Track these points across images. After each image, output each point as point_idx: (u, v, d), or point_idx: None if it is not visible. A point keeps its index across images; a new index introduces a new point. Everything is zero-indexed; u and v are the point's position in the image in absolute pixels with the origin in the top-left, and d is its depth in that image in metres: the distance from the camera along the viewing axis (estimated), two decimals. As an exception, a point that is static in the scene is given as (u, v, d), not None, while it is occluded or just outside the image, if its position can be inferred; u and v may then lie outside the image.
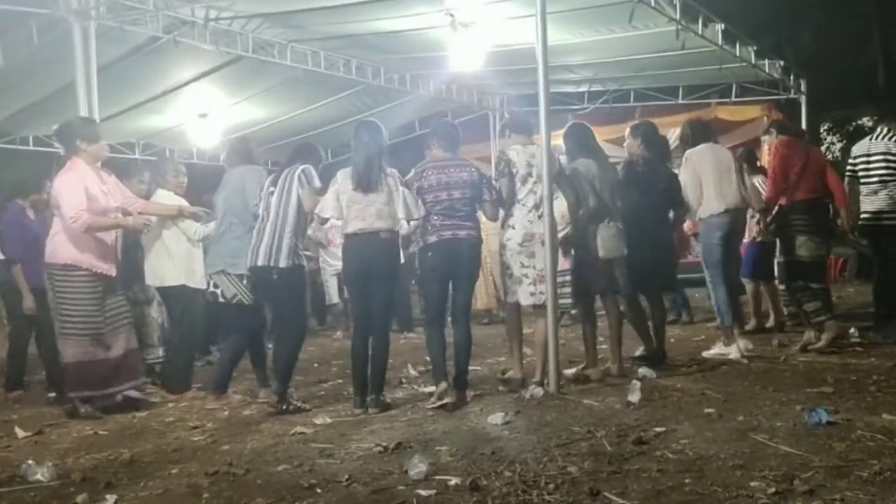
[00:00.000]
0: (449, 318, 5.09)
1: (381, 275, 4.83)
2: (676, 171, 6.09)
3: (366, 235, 4.76)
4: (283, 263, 4.90)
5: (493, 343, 7.16)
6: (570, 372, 5.43)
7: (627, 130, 6.05)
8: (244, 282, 5.17)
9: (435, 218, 4.89)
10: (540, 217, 5.00)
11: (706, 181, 5.85)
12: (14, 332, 6.28)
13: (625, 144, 6.03)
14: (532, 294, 5.06)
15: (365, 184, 4.77)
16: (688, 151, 6.01)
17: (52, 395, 5.76)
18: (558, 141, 5.62)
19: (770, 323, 7.21)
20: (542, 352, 5.02)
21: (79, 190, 4.94)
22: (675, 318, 8.07)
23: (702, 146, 5.99)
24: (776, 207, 6.13)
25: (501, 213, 5.16)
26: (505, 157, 5.11)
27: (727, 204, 5.85)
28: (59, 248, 5.00)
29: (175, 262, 5.63)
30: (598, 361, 5.48)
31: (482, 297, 8.91)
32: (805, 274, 6.05)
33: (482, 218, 5.24)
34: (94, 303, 5.02)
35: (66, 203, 4.91)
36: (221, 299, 5.20)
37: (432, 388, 5.00)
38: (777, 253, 6.34)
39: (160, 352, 6.05)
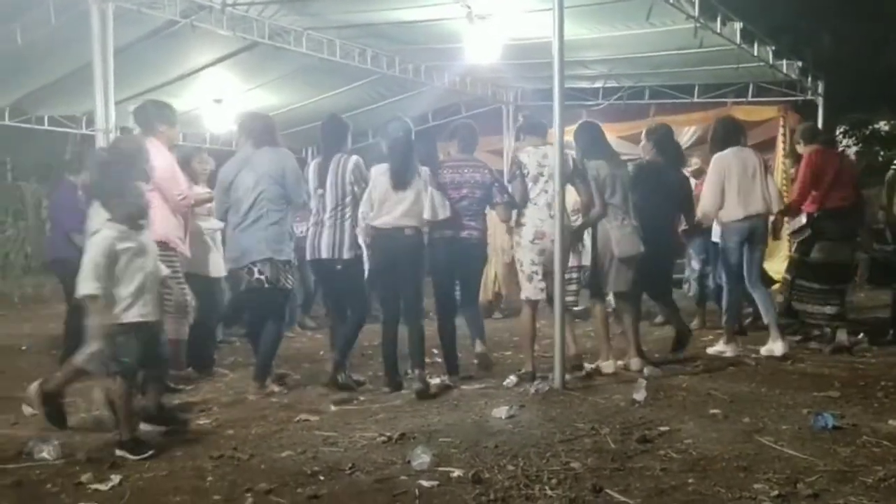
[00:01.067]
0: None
1: (406, 268, 5.05)
2: (688, 172, 6.08)
3: (391, 230, 5.00)
4: (346, 255, 5.12)
5: (499, 337, 7.15)
6: (589, 366, 5.46)
7: (643, 132, 6.03)
8: (287, 267, 5.14)
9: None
10: (551, 216, 5.05)
11: (729, 186, 5.85)
12: (74, 309, 6.19)
13: (640, 146, 6.03)
14: (542, 290, 5.15)
15: (401, 182, 4.98)
16: (716, 154, 5.98)
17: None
18: (569, 137, 5.60)
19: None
20: (528, 342, 5.25)
21: (178, 169, 5.13)
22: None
23: (730, 150, 5.97)
24: (804, 216, 6.19)
25: (514, 212, 5.25)
26: (516, 161, 5.23)
27: (748, 210, 5.86)
28: (156, 224, 4.92)
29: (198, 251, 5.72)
30: (611, 355, 5.48)
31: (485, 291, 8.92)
32: (833, 278, 6.12)
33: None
34: (181, 281, 5.05)
35: (175, 181, 5.09)
36: (268, 285, 5.04)
37: (437, 380, 5.10)
38: (806, 254, 6.28)
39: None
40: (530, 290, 5.17)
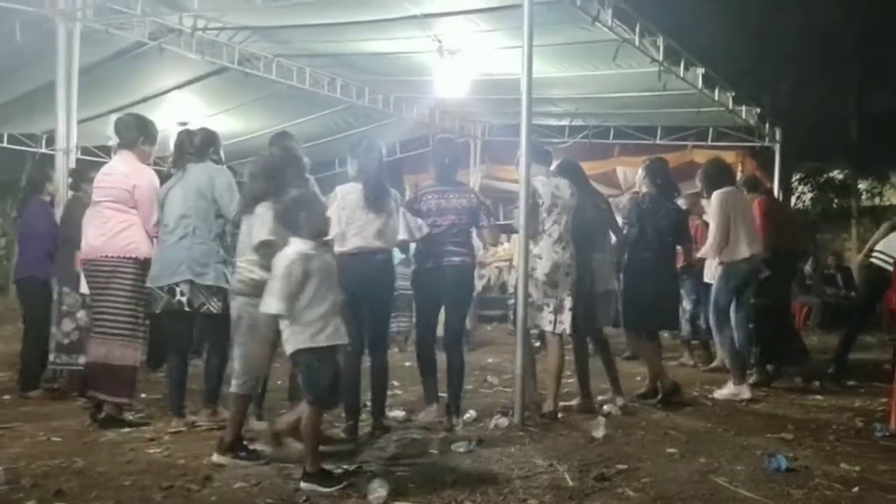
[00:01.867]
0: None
1: (377, 295, 4.71)
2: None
3: (364, 255, 4.61)
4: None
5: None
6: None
7: (641, 167, 6.09)
8: (213, 290, 4.75)
9: (430, 243, 4.90)
10: (563, 248, 5.10)
11: (735, 225, 5.94)
12: (34, 331, 5.95)
13: (637, 178, 6.15)
14: (551, 322, 5.12)
15: (373, 201, 4.64)
16: (719, 193, 6.02)
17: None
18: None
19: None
20: (553, 379, 5.13)
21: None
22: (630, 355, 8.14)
23: (731, 189, 6.11)
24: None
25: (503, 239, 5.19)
26: (532, 189, 5.11)
27: (753, 251, 5.97)
28: (140, 242, 4.85)
29: None
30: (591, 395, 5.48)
31: None
32: (777, 317, 6.31)
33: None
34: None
35: (154, 203, 4.84)
36: (187, 308, 4.77)
37: (398, 413, 5.02)
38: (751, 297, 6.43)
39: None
40: (538, 319, 5.11)
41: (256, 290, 3.87)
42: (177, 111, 8.83)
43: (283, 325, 3.62)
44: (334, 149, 9.94)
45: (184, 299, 4.71)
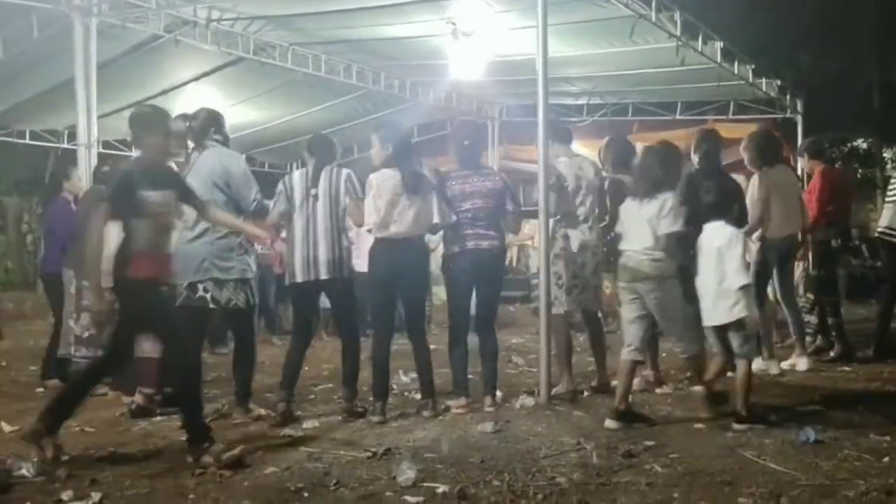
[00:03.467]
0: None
1: (415, 280, 4.82)
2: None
3: (403, 241, 4.69)
4: (346, 272, 4.76)
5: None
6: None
7: (693, 141, 5.94)
8: (239, 285, 4.73)
9: (459, 228, 4.87)
10: (590, 228, 5.08)
11: (775, 204, 5.85)
12: (60, 325, 5.96)
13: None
14: (579, 303, 5.13)
15: (412, 187, 4.67)
16: (765, 171, 5.91)
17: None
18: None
19: None
20: (600, 355, 5.27)
21: None
22: None
23: (779, 168, 6.02)
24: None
25: (552, 223, 5.09)
26: (555, 171, 5.08)
27: (790, 230, 5.92)
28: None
29: None
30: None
31: None
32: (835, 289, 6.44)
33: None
34: None
35: None
36: (213, 305, 4.69)
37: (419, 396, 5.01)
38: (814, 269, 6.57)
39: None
40: (568, 302, 5.14)
41: (665, 274, 4.34)
42: (194, 103, 8.81)
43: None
44: (351, 135, 9.94)
45: (208, 296, 4.65)
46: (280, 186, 4.84)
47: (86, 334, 5.60)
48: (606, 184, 5.35)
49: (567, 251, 5.12)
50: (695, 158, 5.52)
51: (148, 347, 4.81)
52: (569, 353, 5.25)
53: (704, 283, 4.33)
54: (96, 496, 3.31)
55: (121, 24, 6.45)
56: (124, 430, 4.59)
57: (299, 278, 4.73)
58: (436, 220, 4.82)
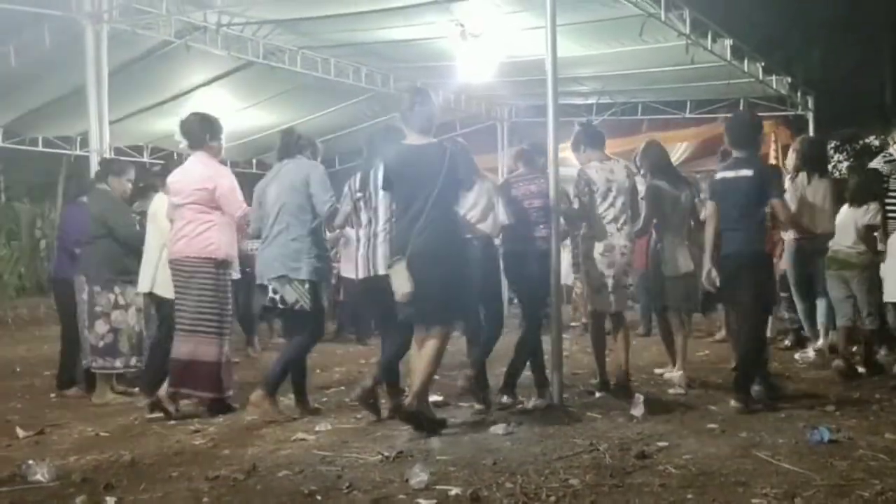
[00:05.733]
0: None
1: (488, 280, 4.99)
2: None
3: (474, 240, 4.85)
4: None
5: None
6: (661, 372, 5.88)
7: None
8: (306, 286, 4.78)
9: (519, 227, 4.98)
10: (619, 229, 5.14)
11: (804, 205, 5.88)
12: (69, 331, 5.87)
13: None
14: (611, 303, 5.19)
15: (470, 185, 4.73)
16: (801, 176, 5.97)
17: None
18: (566, 153, 5.60)
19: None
20: (623, 353, 5.27)
21: (236, 181, 5.00)
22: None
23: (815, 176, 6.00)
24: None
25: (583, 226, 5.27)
26: (585, 177, 5.15)
27: (818, 231, 5.89)
28: (220, 242, 4.89)
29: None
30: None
31: None
32: None
33: None
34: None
35: (236, 193, 4.94)
36: (281, 305, 4.82)
37: (436, 397, 5.03)
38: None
39: (132, 360, 5.60)
40: (599, 302, 5.23)
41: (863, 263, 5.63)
42: (206, 107, 8.83)
43: None
44: (362, 138, 9.96)
45: (276, 297, 4.78)
46: (346, 189, 4.92)
47: (101, 344, 5.50)
48: (643, 189, 5.50)
49: (595, 251, 5.16)
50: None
51: (202, 351, 4.84)
52: (602, 350, 5.39)
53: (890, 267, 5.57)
54: (111, 500, 3.33)
55: (132, 31, 6.49)
56: (139, 434, 4.61)
57: (364, 273, 4.75)
58: (500, 218, 4.93)
